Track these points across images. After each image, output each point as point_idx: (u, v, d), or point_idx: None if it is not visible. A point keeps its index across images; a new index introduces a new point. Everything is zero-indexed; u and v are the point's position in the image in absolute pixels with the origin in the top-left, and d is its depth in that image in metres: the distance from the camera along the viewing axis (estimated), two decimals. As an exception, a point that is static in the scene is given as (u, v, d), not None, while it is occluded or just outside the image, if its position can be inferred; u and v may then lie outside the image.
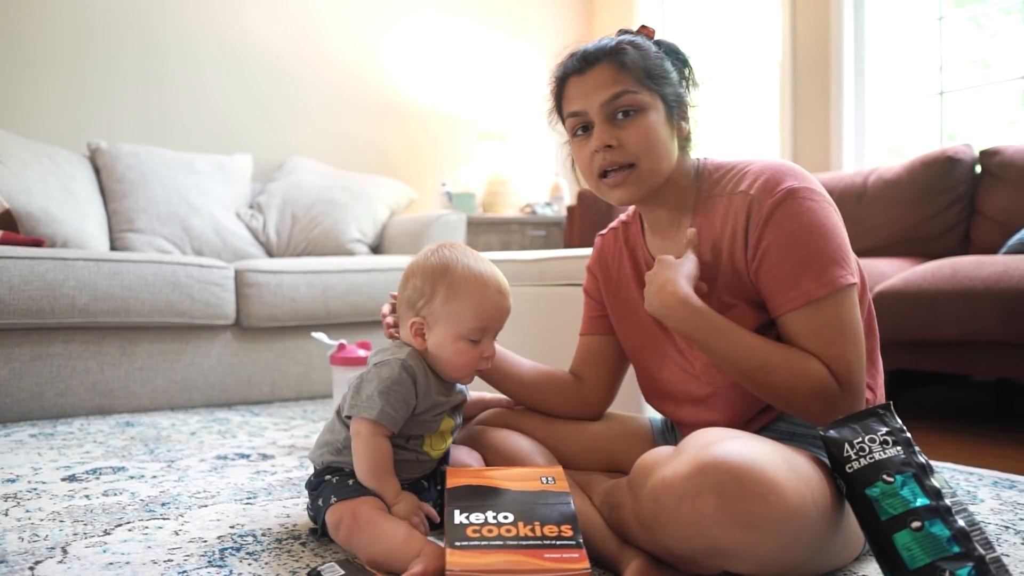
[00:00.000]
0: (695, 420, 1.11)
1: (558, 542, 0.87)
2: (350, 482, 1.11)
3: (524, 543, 0.87)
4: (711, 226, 1.08)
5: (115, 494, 1.42)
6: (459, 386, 1.20)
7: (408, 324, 1.13)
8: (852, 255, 1.04)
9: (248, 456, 1.75)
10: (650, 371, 1.20)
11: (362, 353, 1.82)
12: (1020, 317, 1.84)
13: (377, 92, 3.94)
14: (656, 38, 1.13)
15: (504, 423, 1.26)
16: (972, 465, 1.66)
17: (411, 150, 4.05)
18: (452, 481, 1.00)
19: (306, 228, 3.13)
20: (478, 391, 1.35)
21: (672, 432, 1.27)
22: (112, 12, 3.28)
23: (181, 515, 1.29)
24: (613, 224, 1.30)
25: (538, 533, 0.88)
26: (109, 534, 1.18)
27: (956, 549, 0.79)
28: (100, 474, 1.58)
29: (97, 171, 2.91)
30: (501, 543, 0.87)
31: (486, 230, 3.84)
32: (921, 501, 0.83)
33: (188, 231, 2.91)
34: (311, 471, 1.21)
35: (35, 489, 1.46)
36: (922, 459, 0.87)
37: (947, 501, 0.83)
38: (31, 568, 1.04)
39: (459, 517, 0.91)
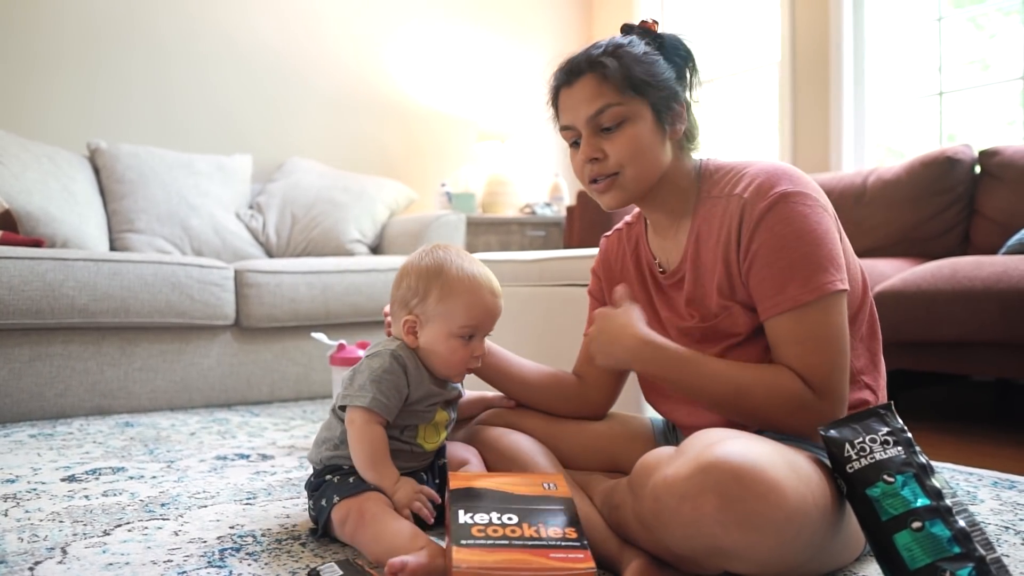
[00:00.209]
0: (694, 422, 1.11)
1: (563, 543, 0.88)
2: (351, 480, 1.11)
3: (529, 543, 0.87)
4: (709, 228, 1.08)
5: (115, 494, 1.42)
6: (458, 384, 1.21)
7: (401, 322, 1.16)
8: (847, 260, 1.03)
9: (248, 456, 1.75)
10: None
11: (361, 353, 1.82)
12: (1019, 317, 1.84)
13: (377, 92, 3.94)
14: (659, 32, 1.12)
15: (505, 422, 1.26)
16: (972, 465, 1.66)
17: (411, 150, 4.05)
18: (454, 483, 1.00)
19: (306, 228, 3.13)
20: (478, 391, 1.35)
21: (673, 432, 1.27)
22: (112, 13, 3.28)
23: (181, 515, 1.29)
24: (618, 225, 1.30)
25: (543, 534, 0.89)
26: (109, 534, 1.18)
27: (957, 549, 0.79)
28: (100, 474, 1.58)
29: (97, 171, 2.91)
30: (507, 542, 0.87)
31: (486, 230, 3.84)
32: (922, 501, 0.83)
33: (188, 231, 2.91)
34: (311, 471, 1.21)
35: (35, 489, 1.46)
36: (923, 459, 0.87)
37: (948, 501, 0.83)
38: (31, 568, 1.04)
39: (463, 517, 0.91)
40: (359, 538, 1.05)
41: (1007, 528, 1.21)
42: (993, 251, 2.42)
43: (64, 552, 1.10)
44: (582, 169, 1.12)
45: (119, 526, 1.23)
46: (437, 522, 1.12)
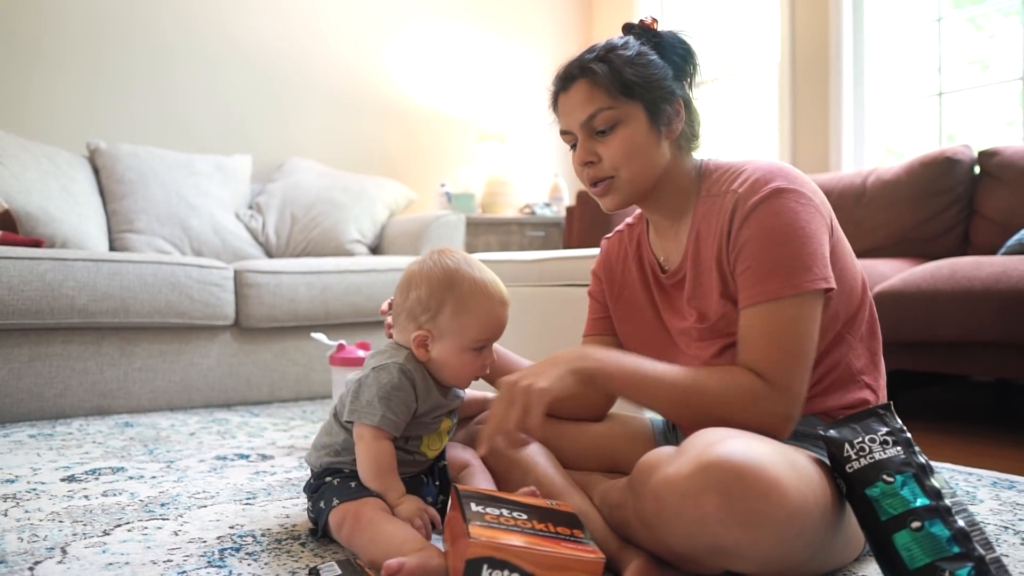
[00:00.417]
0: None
1: (572, 538, 0.89)
2: (352, 484, 1.11)
3: (540, 533, 0.89)
4: (708, 226, 1.08)
5: (114, 494, 1.42)
6: (458, 389, 1.20)
7: (411, 336, 1.12)
8: (844, 261, 1.03)
9: (247, 456, 1.75)
10: None
11: (361, 354, 1.82)
12: (1019, 317, 1.84)
13: (376, 93, 3.94)
14: (657, 30, 1.12)
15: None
16: (971, 465, 1.66)
17: (410, 151, 4.05)
18: (463, 488, 1.00)
19: (305, 229, 3.13)
20: (479, 391, 1.35)
21: (673, 432, 1.27)
22: (112, 13, 3.28)
23: (180, 515, 1.29)
24: (619, 227, 1.30)
25: (552, 530, 0.90)
26: (108, 534, 1.18)
27: (956, 549, 0.79)
28: (99, 474, 1.58)
29: (96, 171, 2.91)
30: (519, 530, 0.88)
31: (485, 231, 3.84)
32: (921, 501, 0.83)
33: (187, 231, 2.91)
34: (310, 473, 1.21)
35: (34, 489, 1.46)
36: (922, 459, 0.87)
37: (947, 501, 0.83)
38: (30, 568, 1.04)
39: (476, 507, 0.92)
40: (356, 541, 1.05)
41: (1006, 528, 1.22)
42: (992, 251, 2.42)
43: (64, 552, 1.10)
44: (581, 172, 1.13)
45: (119, 526, 1.23)
46: (440, 526, 1.12)
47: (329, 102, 3.81)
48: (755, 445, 0.85)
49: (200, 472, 1.60)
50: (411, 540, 1.00)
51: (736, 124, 3.90)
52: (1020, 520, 1.26)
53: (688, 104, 1.12)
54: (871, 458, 0.87)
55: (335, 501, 1.09)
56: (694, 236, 1.10)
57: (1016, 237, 2.25)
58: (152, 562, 1.06)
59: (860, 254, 2.69)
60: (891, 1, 3.25)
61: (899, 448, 0.88)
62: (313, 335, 1.98)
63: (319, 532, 1.14)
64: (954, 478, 1.54)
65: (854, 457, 0.88)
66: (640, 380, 0.99)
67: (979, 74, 3.08)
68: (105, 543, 1.14)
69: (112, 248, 2.79)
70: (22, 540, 1.15)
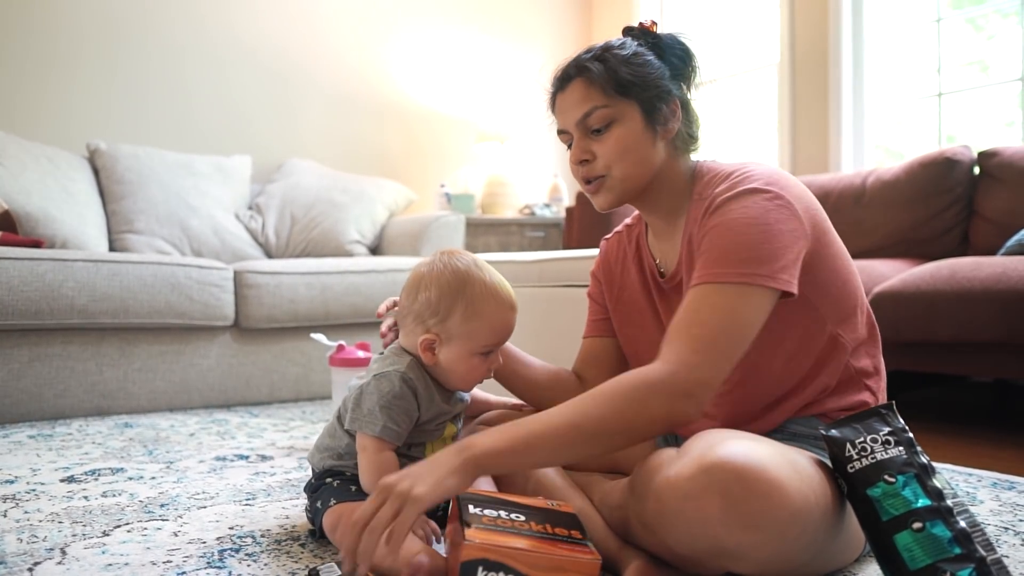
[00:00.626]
0: (690, 429, 1.11)
1: (569, 540, 0.89)
2: (352, 488, 1.11)
3: (537, 535, 0.89)
4: (696, 229, 1.08)
5: (114, 495, 1.42)
6: (462, 393, 1.19)
7: (418, 340, 1.10)
8: (837, 264, 1.02)
9: (247, 457, 1.75)
10: None
11: (361, 354, 1.81)
12: (1019, 318, 1.84)
13: (376, 93, 3.94)
14: (656, 32, 1.13)
15: (505, 422, 1.26)
16: (971, 466, 1.66)
17: (410, 151, 4.05)
18: (462, 494, 1.00)
19: (305, 229, 3.13)
20: (483, 392, 1.34)
21: (673, 433, 1.27)
22: (111, 14, 3.28)
23: (180, 516, 1.28)
24: (618, 228, 1.30)
25: (550, 531, 0.90)
26: (108, 535, 1.18)
27: (957, 550, 0.79)
28: (99, 475, 1.58)
29: (96, 172, 2.91)
30: (516, 532, 0.88)
31: (485, 231, 3.84)
32: (923, 502, 0.83)
33: (187, 232, 2.91)
34: (310, 473, 1.21)
35: (34, 490, 1.46)
36: (924, 460, 0.87)
37: (948, 502, 0.83)
38: (30, 569, 1.03)
39: (473, 509, 0.92)
40: None
41: (1007, 529, 1.21)
42: (992, 252, 2.42)
43: (63, 553, 1.10)
44: (576, 171, 1.13)
45: (118, 527, 1.22)
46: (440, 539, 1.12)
47: (329, 103, 3.81)
48: (756, 446, 0.85)
49: (200, 473, 1.60)
50: (410, 542, 1.00)
51: (736, 125, 3.90)
52: (1020, 521, 1.26)
53: (686, 105, 1.12)
54: (873, 458, 0.87)
55: (332, 501, 1.09)
56: (687, 239, 1.09)
57: (1016, 238, 2.25)
58: (152, 563, 1.06)
59: (859, 254, 2.69)
60: (890, 2, 3.25)
61: (901, 448, 0.87)
62: (313, 336, 1.98)
63: (318, 533, 1.14)
64: (954, 479, 1.54)
65: (856, 457, 0.88)
66: (527, 440, 0.90)
67: (978, 75, 3.08)
68: (104, 544, 1.14)
69: (112, 249, 2.78)
70: (21, 541, 1.15)
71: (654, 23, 1.13)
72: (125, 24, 3.31)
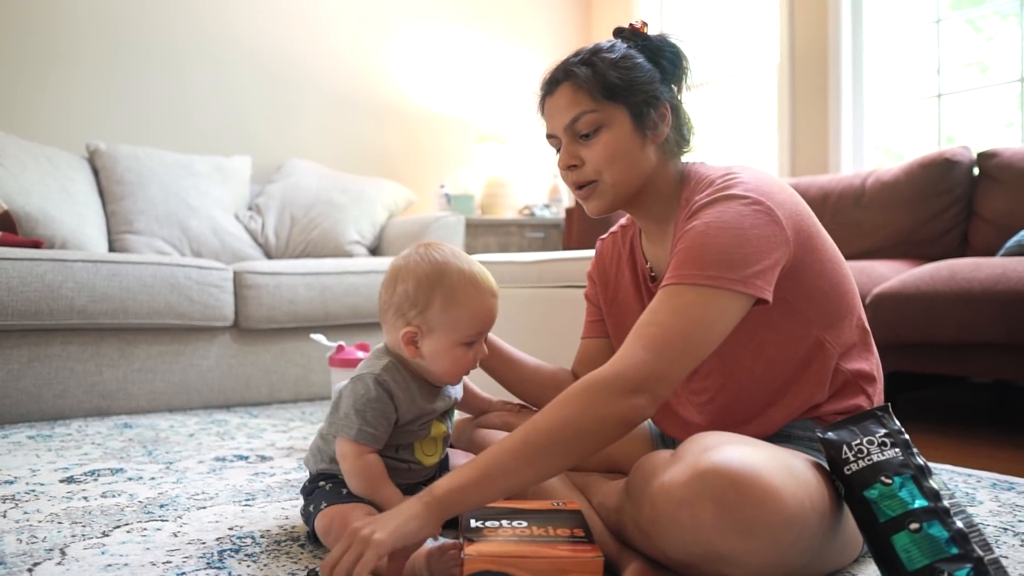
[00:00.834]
0: (685, 435, 1.10)
1: (571, 539, 0.89)
2: (344, 490, 1.10)
3: (539, 539, 0.89)
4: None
5: (113, 496, 1.42)
6: (453, 390, 1.18)
7: (400, 334, 1.09)
8: (828, 267, 1.01)
9: (246, 458, 1.75)
10: None
11: (361, 355, 1.82)
12: (1018, 319, 1.84)
13: (376, 94, 3.95)
14: (648, 33, 1.11)
15: (504, 423, 1.26)
16: (970, 467, 1.66)
17: (410, 152, 4.06)
18: None
19: (305, 230, 3.13)
20: (474, 387, 1.35)
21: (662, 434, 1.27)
22: (110, 14, 3.28)
23: (179, 517, 1.29)
24: (613, 228, 1.30)
25: (551, 533, 0.90)
26: (107, 536, 1.18)
27: (954, 551, 0.79)
28: (98, 476, 1.58)
29: (96, 172, 2.91)
30: (516, 539, 0.89)
31: (484, 232, 3.84)
32: (919, 503, 0.83)
33: (187, 233, 2.91)
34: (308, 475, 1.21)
35: (33, 491, 1.46)
36: (920, 461, 0.87)
37: (945, 503, 0.83)
38: (29, 570, 1.04)
39: (475, 523, 0.92)
40: None
41: (1006, 529, 1.22)
42: (991, 253, 2.42)
43: (63, 553, 1.10)
44: (565, 176, 1.12)
45: (118, 527, 1.23)
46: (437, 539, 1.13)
47: (329, 103, 3.81)
48: (751, 451, 0.84)
49: (199, 473, 1.60)
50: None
51: (735, 126, 3.90)
52: (1019, 521, 1.26)
53: (676, 108, 1.10)
54: (869, 460, 0.87)
55: (323, 504, 1.09)
56: (674, 246, 1.08)
57: (1015, 238, 2.25)
58: (151, 563, 1.06)
59: (859, 255, 2.69)
60: (890, 3, 3.25)
61: (897, 450, 0.88)
62: (312, 336, 1.98)
63: (312, 535, 1.13)
64: (953, 479, 1.54)
65: (852, 459, 0.88)
66: (485, 470, 0.89)
67: (978, 76, 3.08)
68: (104, 544, 1.14)
69: (111, 249, 2.79)
70: (21, 541, 1.15)
71: (644, 24, 1.12)
72: (125, 24, 3.31)
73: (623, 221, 1.28)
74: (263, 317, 2.55)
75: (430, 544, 0.97)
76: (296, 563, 1.07)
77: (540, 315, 1.87)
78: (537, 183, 4.42)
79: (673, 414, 1.17)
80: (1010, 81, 2.91)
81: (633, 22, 1.12)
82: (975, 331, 1.92)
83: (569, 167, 1.10)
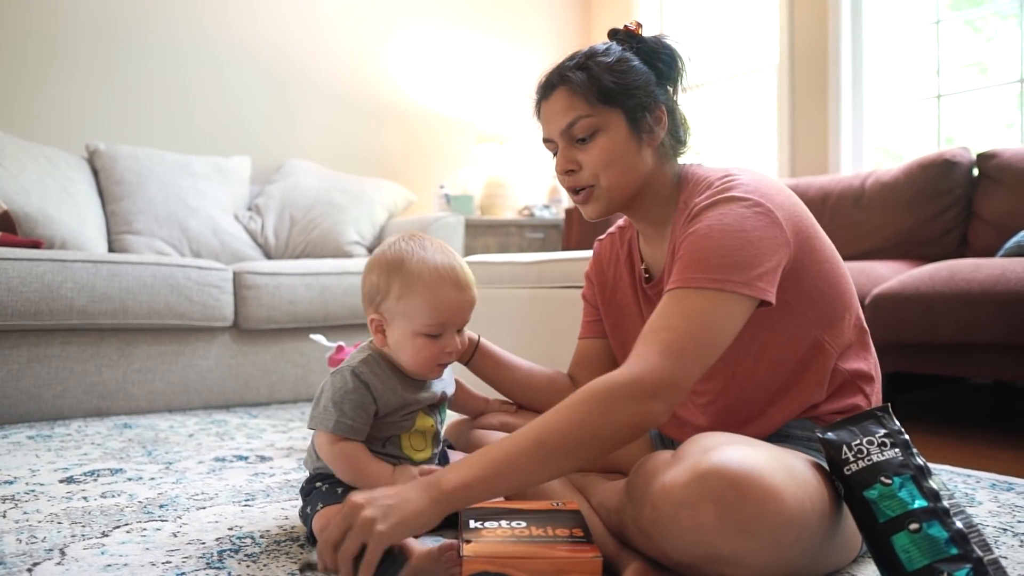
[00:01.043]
0: (684, 436, 1.10)
1: (570, 539, 0.90)
2: (339, 490, 1.10)
3: (537, 540, 0.89)
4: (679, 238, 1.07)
5: (113, 496, 1.42)
6: (439, 384, 1.18)
7: (368, 320, 1.13)
8: (825, 268, 1.01)
9: (246, 458, 1.75)
10: None
11: (360, 355, 1.82)
12: (1018, 319, 1.84)
13: (376, 94, 3.95)
14: (643, 35, 1.11)
15: (501, 423, 1.26)
16: (970, 467, 1.66)
17: (409, 152, 4.06)
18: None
19: (304, 230, 3.13)
20: (483, 394, 1.34)
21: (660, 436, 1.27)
22: (110, 14, 3.28)
23: (179, 517, 1.29)
24: (611, 229, 1.30)
25: (550, 533, 0.91)
26: (107, 536, 1.18)
27: (954, 551, 0.80)
28: (98, 476, 1.58)
29: (95, 173, 2.91)
30: (515, 540, 0.89)
31: (484, 232, 3.84)
32: (919, 503, 0.83)
33: (186, 233, 2.91)
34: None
35: (33, 491, 1.46)
36: (920, 461, 0.87)
37: (945, 503, 0.83)
38: (29, 570, 1.03)
39: (474, 524, 0.93)
40: None
41: (1005, 530, 1.22)
42: (991, 254, 2.42)
43: (62, 553, 1.10)
44: (562, 181, 1.12)
45: (117, 527, 1.22)
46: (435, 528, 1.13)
47: (328, 104, 3.81)
48: (751, 452, 0.84)
49: (199, 474, 1.60)
50: (407, 546, 1.00)
51: (734, 126, 3.91)
52: (1019, 522, 1.26)
53: (672, 111, 1.11)
54: (869, 460, 0.87)
55: (319, 505, 1.09)
56: (672, 247, 1.08)
57: (1015, 239, 2.25)
58: (151, 563, 1.06)
59: (859, 256, 2.70)
60: (889, 3, 3.26)
61: (897, 450, 0.88)
62: (312, 336, 1.98)
63: (309, 537, 1.13)
64: (953, 480, 1.54)
65: (852, 459, 0.88)
66: (496, 468, 0.89)
67: (977, 76, 3.08)
68: (104, 544, 1.14)
69: (111, 249, 2.78)
70: (20, 541, 1.15)
71: (639, 25, 1.12)
72: (124, 25, 3.31)
73: (621, 222, 1.28)
74: (263, 317, 2.55)
75: (430, 544, 0.97)
76: (296, 563, 1.07)
77: (539, 316, 1.87)
78: (537, 184, 4.42)
79: (674, 415, 1.17)
80: (1010, 82, 2.91)
81: (628, 24, 1.12)
82: (974, 332, 1.92)
83: (566, 172, 1.10)
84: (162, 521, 1.26)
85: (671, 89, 1.11)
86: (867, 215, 2.76)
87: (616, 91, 1.05)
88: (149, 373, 2.38)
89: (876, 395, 1.09)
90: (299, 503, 1.36)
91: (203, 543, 1.15)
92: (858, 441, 0.89)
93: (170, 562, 1.07)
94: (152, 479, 1.55)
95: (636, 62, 1.08)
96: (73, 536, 1.18)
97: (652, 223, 1.13)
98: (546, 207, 4.09)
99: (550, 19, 4.48)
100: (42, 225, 2.50)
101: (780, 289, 0.97)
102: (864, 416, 0.92)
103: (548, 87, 1.11)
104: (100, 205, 2.84)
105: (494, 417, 1.28)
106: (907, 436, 0.90)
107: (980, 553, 0.80)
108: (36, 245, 2.36)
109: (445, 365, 1.15)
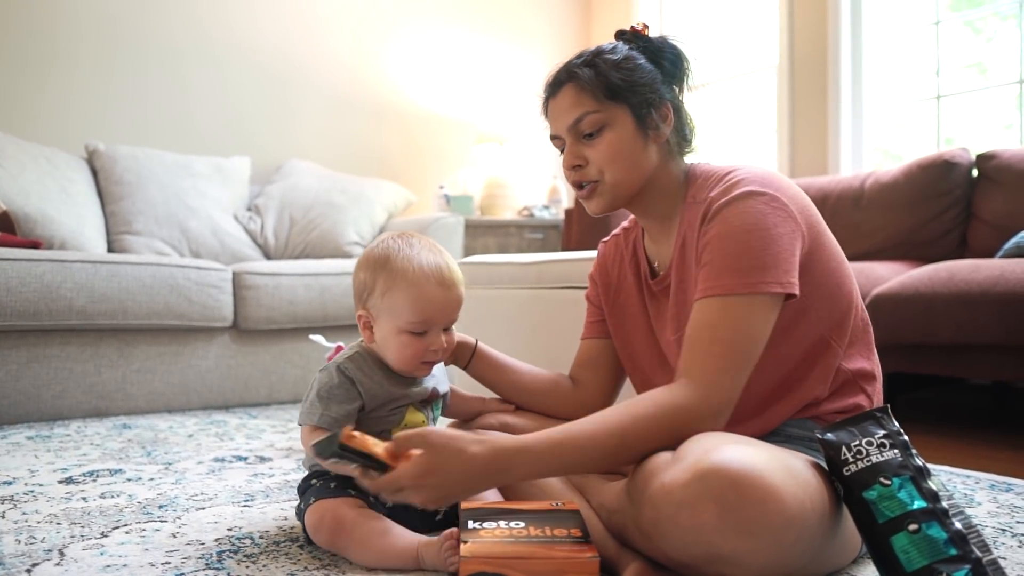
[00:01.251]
0: None
1: (568, 540, 0.90)
2: (332, 485, 1.11)
3: (535, 540, 0.89)
4: (692, 233, 1.08)
5: (112, 496, 1.42)
6: (430, 381, 1.18)
7: (356, 316, 1.15)
8: (830, 266, 1.02)
9: (245, 458, 1.75)
10: (644, 378, 1.21)
11: (360, 355, 1.82)
12: (1017, 320, 1.84)
13: (375, 95, 3.95)
14: (650, 35, 1.13)
15: (501, 424, 1.26)
16: (969, 468, 1.66)
17: (409, 153, 4.06)
18: (465, 505, 1.01)
19: (304, 230, 3.13)
20: (477, 394, 1.34)
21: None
22: (110, 14, 3.28)
23: (178, 517, 1.28)
24: (615, 231, 1.30)
25: (548, 534, 0.91)
26: (106, 536, 1.18)
27: (953, 551, 0.80)
28: (97, 476, 1.58)
29: (95, 173, 2.91)
30: (513, 540, 0.89)
31: (484, 233, 3.84)
32: (918, 504, 0.83)
33: (186, 233, 2.91)
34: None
35: (32, 491, 1.46)
36: (919, 462, 0.87)
37: (944, 504, 0.83)
38: (28, 571, 1.03)
39: (472, 524, 0.93)
40: (340, 545, 1.05)
41: (1004, 530, 1.22)
42: (990, 254, 2.42)
43: (61, 554, 1.10)
44: (569, 176, 1.14)
45: (117, 528, 1.22)
46: (437, 524, 1.12)
47: (328, 104, 3.81)
48: (751, 452, 0.84)
49: (198, 474, 1.60)
50: (404, 537, 1.01)
51: (734, 127, 3.91)
52: (1018, 522, 1.26)
53: (678, 109, 1.12)
54: (868, 461, 0.87)
55: (312, 500, 1.09)
56: (680, 243, 1.10)
57: (1014, 240, 2.25)
58: (150, 564, 1.06)
59: (858, 257, 2.70)
60: (889, 4, 3.26)
61: (896, 451, 0.88)
62: (311, 337, 1.98)
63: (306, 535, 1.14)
64: (952, 481, 1.54)
65: (851, 460, 0.88)
66: (570, 444, 0.93)
67: (977, 77, 3.09)
68: (103, 545, 1.14)
69: (110, 250, 2.78)
70: (19, 542, 1.15)
71: (646, 26, 1.14)
72: (124, 25, 3.31)
73: (626, 224, 1.29)
74: (262, 318, 2.55)
75: (431, 537, 0.99)
76: (295, 563, 1.07)
77: (539, 316, 1.87)
78: (536, 184, 4.42)
79: None
80: (1009, 83, 2.91)
81: (634, 24, 1.14)
82: (974, 332, 1.92)
83: (573, 167, 1.11)
84: (161, 522, 1.26)
85: (677, 88, 1.13)
86: (866, 216, 2.76)
87: (623, 87, 1.07)
88: (148, 373, 2.38)
89: (878, 395, 1.10)
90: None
91: (202, 544, 1.15)
92: (857, 442, 0.89)
93: (169, 563, 1.07)
94: (151, 480, 1.55)
95: (642, 60, 1.10)
96: (72, 537, 1.18)
97: (657, 219, 1.15)
98: (546, 208, 4.09)
99: (550, 19, 4.48)
100: (41, 225, 2.50)
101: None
102: (863, 417, 0.92)
103: (556, 84, 1.12)
104: (99, 205, 2.84)
105: (494, 417, 1.28)
106: (906, 437, 0.90)
107: (979, 554, 0.80)
108: (35, 245, 2.36)
109: (432, 363, 1.16)
